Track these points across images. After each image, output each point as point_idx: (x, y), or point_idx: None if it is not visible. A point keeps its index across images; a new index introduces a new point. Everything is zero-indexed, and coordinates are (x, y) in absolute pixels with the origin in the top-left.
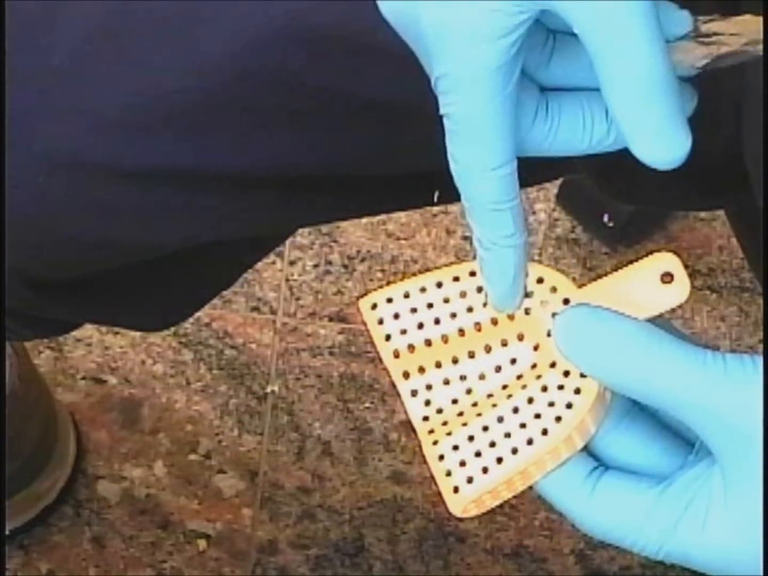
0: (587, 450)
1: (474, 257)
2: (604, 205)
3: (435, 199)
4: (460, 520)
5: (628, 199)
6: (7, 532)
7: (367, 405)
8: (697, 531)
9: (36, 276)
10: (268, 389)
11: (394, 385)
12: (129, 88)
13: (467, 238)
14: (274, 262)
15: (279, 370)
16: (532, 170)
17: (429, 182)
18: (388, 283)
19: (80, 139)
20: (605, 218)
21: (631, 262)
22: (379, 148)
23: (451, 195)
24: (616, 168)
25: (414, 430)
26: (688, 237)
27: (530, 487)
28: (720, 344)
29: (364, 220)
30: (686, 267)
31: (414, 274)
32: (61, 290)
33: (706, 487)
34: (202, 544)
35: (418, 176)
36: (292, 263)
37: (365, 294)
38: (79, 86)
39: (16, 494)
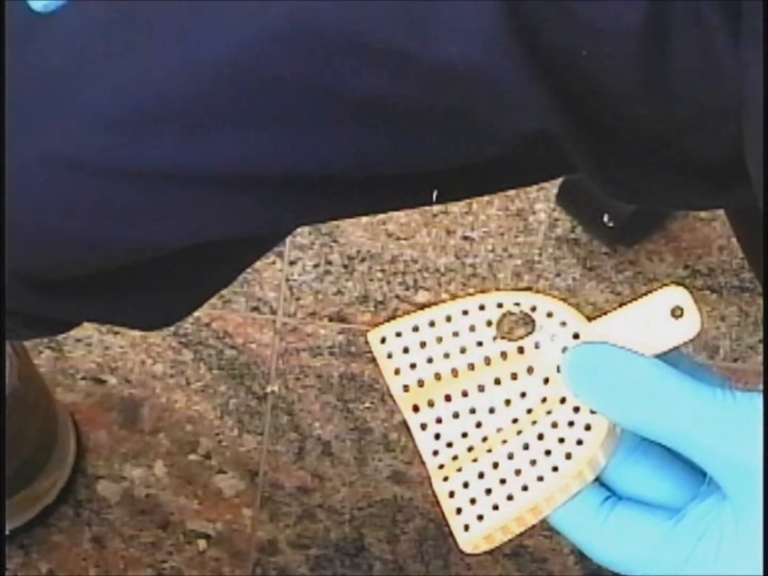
0: (599, 480)
1: (474, 259)
2: (604, 205)
3: (435, 199)
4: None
5: (628, 199)
6: (7, 532)
7: (367, 405)
8: (709, 565)
9: (36, 276)
10: (268, 389)
11: (404, 421)
12: (129, 88)
13: (467, 238)
14: (274, 262)
15: (279, 370)
16: (532, 170)
17: (429, 182)
18: (388, 283)
19: (80, 139)
20: (605, 218)
21: (631, 263)
22: (379, 148)
23: (451, 195)
24: (616, 168)
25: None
26: (688, 237)
27: None
28: (720, 344)
29: (364, 220)
30: (686, 267)
31: (414, 274)
32: (61, 290)
33: (717, 521)
34: (202, 544)
35: (418, 176)
36: (292, 263)
37: (375, 326)
38: (79, 86)
39: (16, 494)
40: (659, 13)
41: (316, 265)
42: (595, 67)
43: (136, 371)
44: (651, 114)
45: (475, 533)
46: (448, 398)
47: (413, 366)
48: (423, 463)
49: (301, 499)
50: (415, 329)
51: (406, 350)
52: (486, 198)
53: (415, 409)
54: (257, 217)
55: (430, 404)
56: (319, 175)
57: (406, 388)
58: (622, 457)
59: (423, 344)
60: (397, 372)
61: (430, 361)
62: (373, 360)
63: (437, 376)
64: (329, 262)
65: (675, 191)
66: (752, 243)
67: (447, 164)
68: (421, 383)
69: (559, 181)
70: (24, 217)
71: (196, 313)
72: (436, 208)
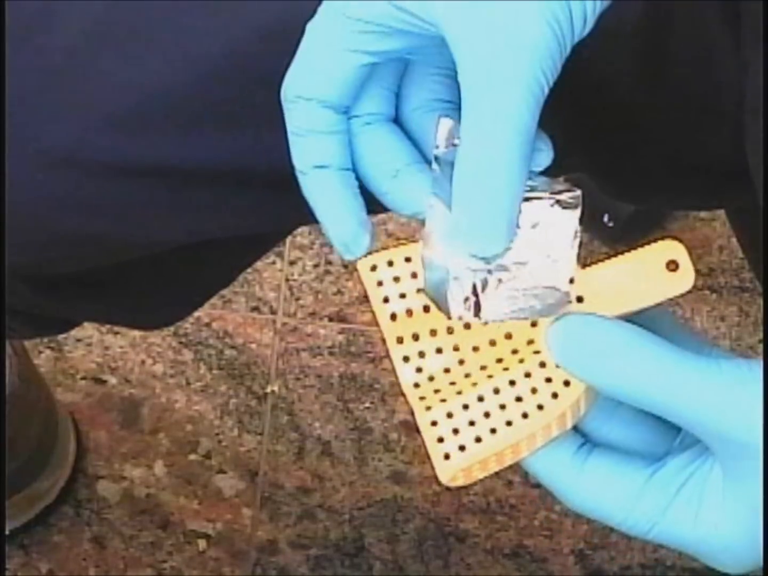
0: (576, 428)
1: None
2: (604, 205)
3: None
4: (459, 520)
5: (628, 199)
6: (7, 532)
7: (367, 405)
8: (690, 517)
9: (35, 274)
10: (268, 389)
11: (387, 352)
12: (127, 86)
13: None
14: (274, 262)
15: (279, 370)
16: None
17: None
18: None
19: (79, 137)
20: (605, 218)
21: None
22: None
23: None
24: (616, 168)
25: (408, 404)
26: (688, 237)
27: (530, 486)
28: (720, 344)
29: None
30: None
31: None
32: (61, 288)
33: (700, 474)
34: (202, 544)
35: None
36: (292, 263)
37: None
38: (78, 84)
39: (16, 494)
40: (659, 14)
41: (316, 265)
42: (595, 67)
43: (136, 371)
44: (650, 114)
45: (455, 463)
46: (433, 333)
47: (402, 296)
48: (415, 429)
49: (301, 499)
50: (408, 260)
51: (396, 279)
52: None
53: (400, 340)
54: (257, 215)
55: (415, 338)
56: None
57: (393, 317)
58: (602, 406)
59: (414, 275)
60: (385, 300)
61: (419, 292)
62: (374, 360)
63: (425, 308)
64: (329, 262)
65: (674, 191)
66: (752, 243)
67: None
68: (409, 313)
69: None
70: (23, 214)
71: (196, 313)
72: None
